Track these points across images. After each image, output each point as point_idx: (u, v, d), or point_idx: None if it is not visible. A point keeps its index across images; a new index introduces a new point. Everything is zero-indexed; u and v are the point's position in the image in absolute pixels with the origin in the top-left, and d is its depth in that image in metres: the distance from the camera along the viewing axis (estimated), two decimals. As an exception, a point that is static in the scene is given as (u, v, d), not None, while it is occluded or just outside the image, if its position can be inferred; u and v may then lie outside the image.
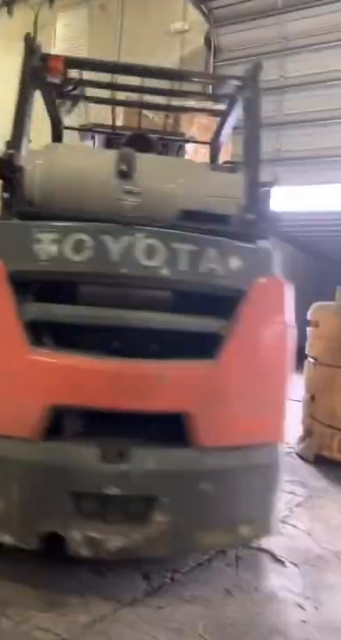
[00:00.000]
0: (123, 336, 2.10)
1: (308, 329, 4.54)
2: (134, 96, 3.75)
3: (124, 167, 2.32)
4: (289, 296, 2.26)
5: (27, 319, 2.00)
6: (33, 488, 2.00)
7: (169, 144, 3.71)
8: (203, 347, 2.10)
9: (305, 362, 4.57)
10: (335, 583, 2.41)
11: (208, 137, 3.57)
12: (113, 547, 1.97)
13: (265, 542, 2.72)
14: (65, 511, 1.97)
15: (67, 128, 3.36)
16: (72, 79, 2.85)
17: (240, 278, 2.12)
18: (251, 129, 2.60)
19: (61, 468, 1.99)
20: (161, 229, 2.12)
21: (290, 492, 3.51)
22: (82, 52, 13.75)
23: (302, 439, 4.52)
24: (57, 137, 3.26)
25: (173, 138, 3.85)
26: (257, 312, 2.15)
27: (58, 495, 1.97)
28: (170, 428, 2.08)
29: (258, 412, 2.15)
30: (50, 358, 2.02)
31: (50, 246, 2.00)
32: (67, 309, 2.05)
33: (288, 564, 2.54)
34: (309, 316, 4.56)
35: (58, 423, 2.04)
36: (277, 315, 2.21)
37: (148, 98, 3.58)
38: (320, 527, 3.00)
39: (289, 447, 4.50)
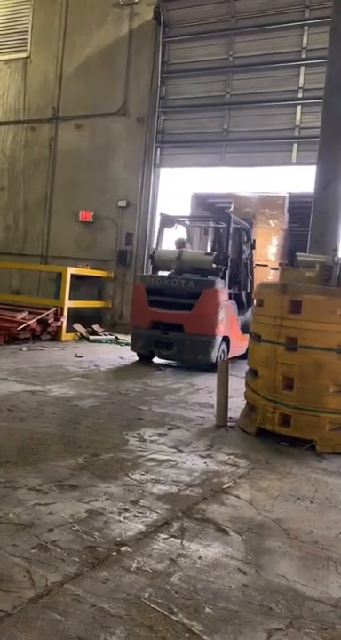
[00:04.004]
0: (171, 304, 7.73)
1: (253, 307, 4.64)
2: None
3: (177, 254, 8.12)
4: (220, 294, 7.55)
5: (150, 299, 7.91)
6: (147, 339, 7.87)
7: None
8: (189, 308, 7.49)
9: (249, 338, 4.68)
10: (275, 548, 2.51)
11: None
12: (164, 353, 7.78)
13: (210, 513, 2.80)
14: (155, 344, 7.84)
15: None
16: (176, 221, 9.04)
17: (200, 288, 7.53)
18: (221, 237, 8.34)
19: (153, 334, 7.78)
20: (187, 275, 7.93)
21: (233, 465, 3.61)
22: (26, 18, 13.15)
23: (245, 413, 4.65)
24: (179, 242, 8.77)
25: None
26: (204, 298, 7.49)
27: (152, 341, 7.82)
28: (179, 327, 7.58)
29: (204, 325, 7.44)
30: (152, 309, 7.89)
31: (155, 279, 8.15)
32: (160, 297, 7.93)
33: (231, 532, 2.62)
34: (254, 294, 4.66)
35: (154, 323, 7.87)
36: (212, 299, 7.50)
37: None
38: (261, 497, 3.11)
39: (233, 421, 4.61)
